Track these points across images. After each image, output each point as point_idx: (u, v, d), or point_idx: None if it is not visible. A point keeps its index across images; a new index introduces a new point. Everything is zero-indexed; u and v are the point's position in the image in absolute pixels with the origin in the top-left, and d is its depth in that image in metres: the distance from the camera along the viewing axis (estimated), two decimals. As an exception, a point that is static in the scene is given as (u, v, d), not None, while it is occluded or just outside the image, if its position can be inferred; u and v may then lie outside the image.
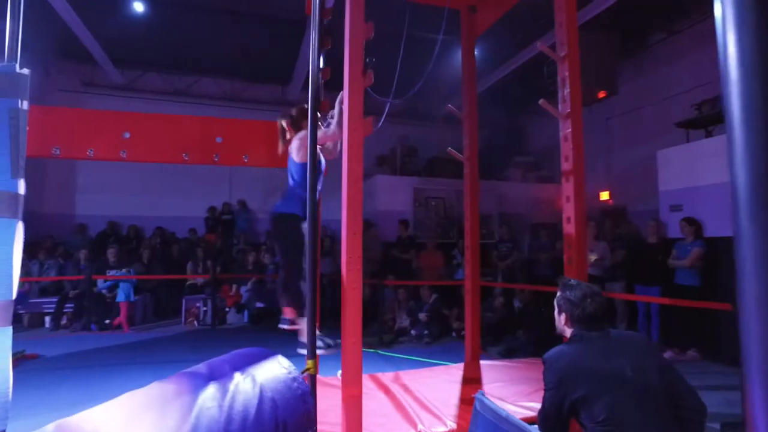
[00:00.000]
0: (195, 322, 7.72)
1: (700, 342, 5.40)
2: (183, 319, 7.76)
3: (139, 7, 7.51)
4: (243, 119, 4.42)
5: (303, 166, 3.18)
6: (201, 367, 1.64)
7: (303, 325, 3.03)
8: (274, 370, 1.77)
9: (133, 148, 3.79)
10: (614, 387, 1.77)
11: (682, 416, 1.83)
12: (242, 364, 1.73)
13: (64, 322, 7.51)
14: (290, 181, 3.32)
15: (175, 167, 8.91)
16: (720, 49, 0.69)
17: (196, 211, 10.15)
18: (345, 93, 2.93)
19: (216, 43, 8.95)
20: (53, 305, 7.46)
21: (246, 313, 8.00)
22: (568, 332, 2.06)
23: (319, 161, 3.30)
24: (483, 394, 1.83)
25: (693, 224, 5.57)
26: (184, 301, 7.86)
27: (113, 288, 7.54)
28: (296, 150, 3.22)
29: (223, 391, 1.51)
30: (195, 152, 3.89)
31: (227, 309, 8.09)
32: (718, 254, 5.41)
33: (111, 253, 7.68)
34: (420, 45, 4.31)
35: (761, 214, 0.63)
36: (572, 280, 2.12)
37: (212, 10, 7.80)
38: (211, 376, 1.57)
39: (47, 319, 7.51)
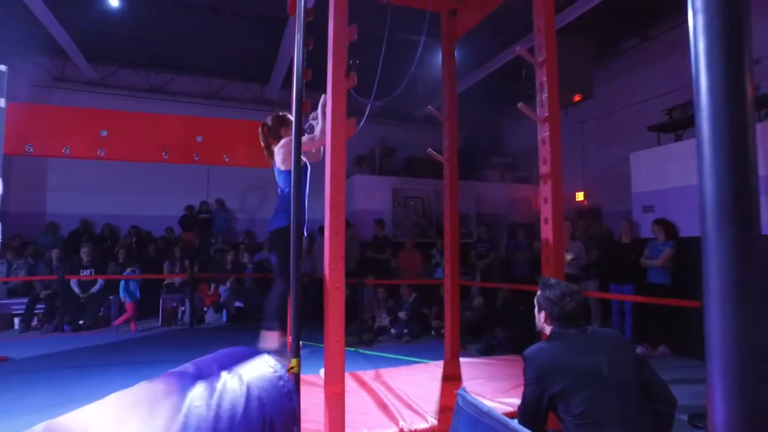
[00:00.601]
0: (173, 322, 7.62)
1: (671, 338, 5.59)
2: (160, 319, 7.65)
3: (114, 2, 7.34)
4: (224, 118, 4.38)
5: (289, 173, 3.16)
6: (188, 367, 1.65)
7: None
8: (261, 369, 1.79)
9: (111, 147, 3.73)
10: (591, 382, 1.85)
11: (655, 409, 1.91)
12: (229, 363, 1.75)
13: (34, 323, 7.32)
14: (279, 192, 3.27)
15: (151, 165, 8.77)
16: (694, 77, 0.76)
17: (173, 210, 9.99)
18: (328, 95, 2.94)
19: (194, 40, 8.83)
20: (22, 306, 7.26)
21: (225, 312, 7.93)
22: (547, 329, 2.13)
23: (305, 165, 3.29)
24: (465, 390, 1.87)
25: (664, 225, 5.76)
26: (161, 300, 7.75)
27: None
28: (281, 159, 3.18)
29: (211, 390, 1.53)
30: (175, 151, 3.86)
31: (205, 308, 8.01)
32: (688, 254, 5.61)
33: (84, 253, 7.52)
34: (400, 47, 4.35)
35: (725, 224, 0.70)
36: (552, 280, 2.19)
37: (190, 7, 7.69)
38: (198, 376, 1.58)
39: (16, 320, 7.30)
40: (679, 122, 6.31)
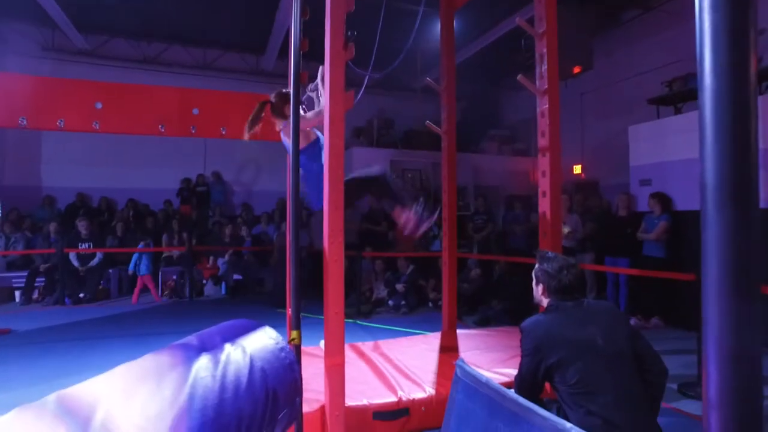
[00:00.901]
0: (171, 295, 7.70)
1: (664, 310, 5.69)
2: (160, 291, 7.72)
3: (104, -31, 7.14)
4: (221, 90, 4.32)
5: (304, 151, 3.09)
6: (192, 339, 1.68)
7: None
8: (263, 341, 1.82)
9: (106, 119, 3.68)
10: (586, 353, 1.89)
11: (647, 379, 1.97)
12: (231, 336, 1.78)
13: (35, 296, 7.38)
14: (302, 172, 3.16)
15: (147, 137, 8.69)
16: (698, 58, 0.76)
17: (170, 183, 9.96)
18: (326, 67, 2.89)
19: (188, 9, 8.60)
20: (22, 279, 7.30)
21: (223, 285, 8.00)
22: (545, 302, 2.17)
23: (318, 138, 3.23)
24: (463, 361, 1.92)
25: (660, 199, 5.78)
26: (160, 273, 7.81)
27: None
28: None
29: (215, 362, 1.56)
30: (171, 124, 3.81)
31: (204, 281, 8.08)
32: (684, 227, 5.66)
33: (82, 226, 7.52)
34: (396, 15, 4.26)
35: (725, 205, 0.71)
36: (549, 253, 2.22)
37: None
38: (202, 348, 1.61)
39: (17, 293, 7.35)
40: (678, 95, 6.26)
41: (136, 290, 7.47)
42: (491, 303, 6.38)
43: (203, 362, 1.52)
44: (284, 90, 3.27)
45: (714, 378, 0.72)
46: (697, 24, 0.76)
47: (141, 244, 7.68)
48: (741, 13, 0.72)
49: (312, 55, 3.38)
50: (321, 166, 3.06)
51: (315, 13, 3.24)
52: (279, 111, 3.23)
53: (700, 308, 2.88)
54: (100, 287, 7.57)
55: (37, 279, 7.37)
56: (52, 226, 7.74)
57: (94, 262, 7.47)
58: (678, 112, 6.36)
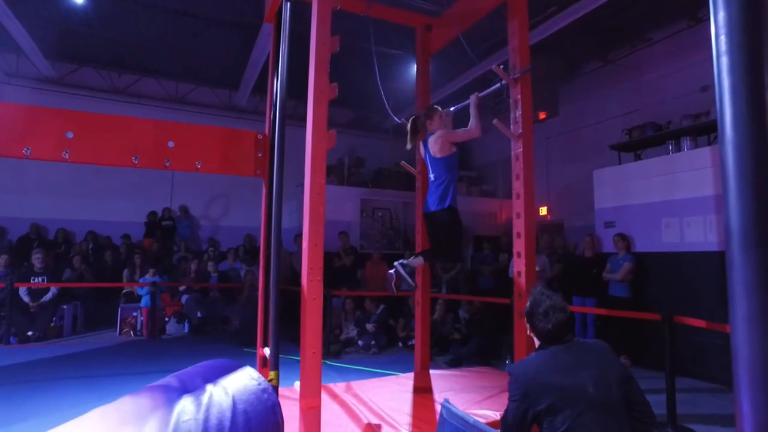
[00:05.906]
0: (131, 333, 7.31)
1: (631, 350, 5.79)
2: (118, 329, 7.32)
3: (78, -1, 7.10)
4: (198, 124, 4.28)
5: (443, 160, 3.56)
6: (172, 380, 1.59)
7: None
8: (245, 382, 1.75)
9: (77, 149, 3.54)
10: (576, 401, 1.86)
11: (634, 426, 1.97)
12: (213, 376, 1.70)
13: (-25, 334, 6.85)
14: (433, 178, 3.63)
15: (110, 167, 8.44)
16: (718, 112, 0.82)
17: (134, 216, 9.65)
18: (309, 106, 2.93)
19: (162, 42, 8.60)
20: (-38, 317, 6.79)
21: (186, 323, 7.67)
22: (537, 342, 2.15)
23: (455, 152, 3.69)
24: (449, 402, 1.89)
25: (625, 239, 6.00)
26: (120, 310, 7.42)
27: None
28: (438, 148, 3.57)
29: (198, 404, 1.48)
30: (146, 156, 3.70)
31: (167, 318, 7.73)
32: (646, 268, 5.87)
33: (36, 259, 7.12)
34: (370, 58, 4.37)
35: (751, 249, 0.75)
36: (537, 292, 2.21)
37: (159, 8, 7.53)
38: (183, 389, 1.53)
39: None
40: (638, 142, 6.62)
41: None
42: (463, 343, 6.34)
43: (185, 405, 1.44)
44: (432, 106, 3.86)
45: (748, 416, 0.73)
46: (716, 82, 0.82)
47: (147, 278, 7.62)
48: (758, 71, 0.79)
49: (290, 93, 3.39)
50: (453, 176, 3.58)
51: (292, 48, 3.28)
52: (423, 125, 3.78)
53: (666, 347, 2.92)
54: (52, 324, 7.10)
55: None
56: (2, 259, 7.28)
57: (47, 297, 7.05)
58: (638, 158, 6.70)
